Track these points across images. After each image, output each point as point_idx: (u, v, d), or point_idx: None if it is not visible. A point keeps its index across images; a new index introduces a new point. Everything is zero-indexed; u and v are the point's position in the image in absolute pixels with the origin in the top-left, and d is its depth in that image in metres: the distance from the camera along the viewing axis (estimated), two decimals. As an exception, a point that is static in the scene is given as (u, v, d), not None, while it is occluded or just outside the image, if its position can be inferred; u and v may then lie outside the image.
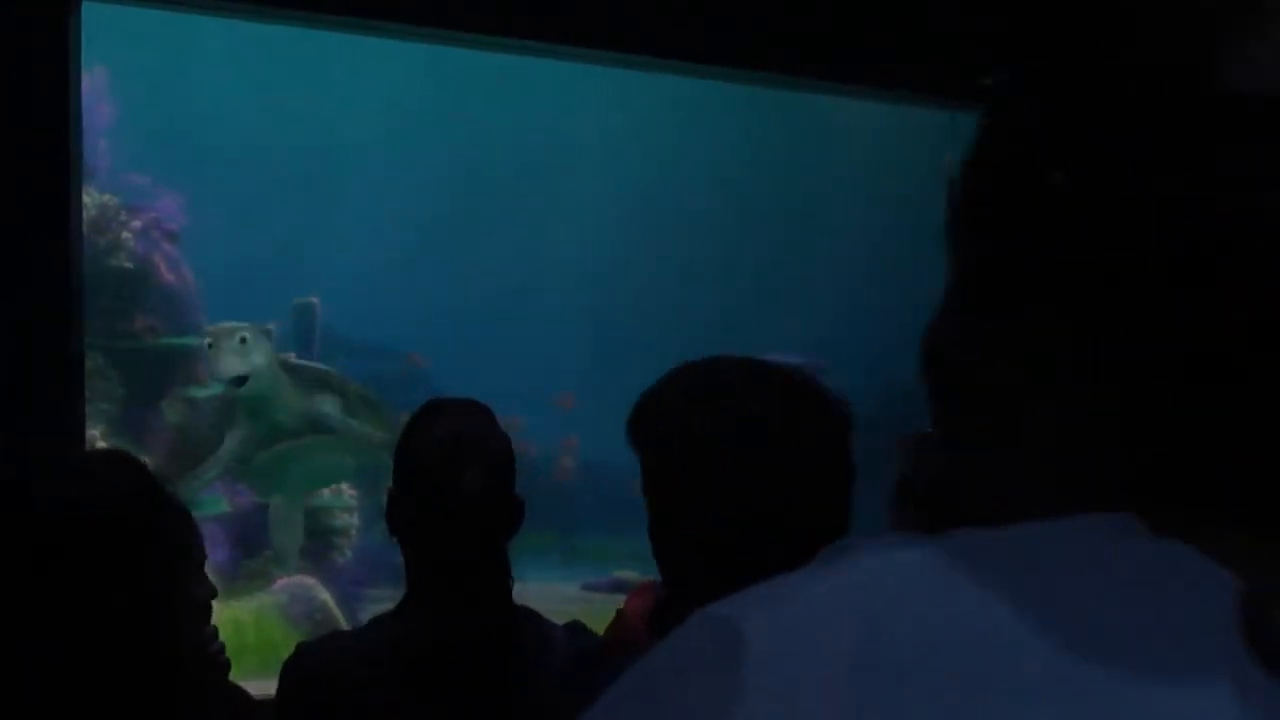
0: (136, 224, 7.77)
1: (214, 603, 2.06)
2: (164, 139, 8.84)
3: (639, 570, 8.94)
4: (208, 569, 2.14)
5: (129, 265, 7.69)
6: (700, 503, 1.51)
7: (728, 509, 1.49)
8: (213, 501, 7.58)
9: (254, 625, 6.78)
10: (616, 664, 1.93)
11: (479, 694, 2.05)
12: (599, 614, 2.57)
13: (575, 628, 2.24)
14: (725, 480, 1.49)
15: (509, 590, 2.19)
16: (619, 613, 2.36)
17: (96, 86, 7.56)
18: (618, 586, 8.46)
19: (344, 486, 7.89)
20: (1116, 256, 0.52)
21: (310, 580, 7.40)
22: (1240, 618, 0.46)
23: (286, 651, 2.28)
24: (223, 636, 2.10)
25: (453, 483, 2.07)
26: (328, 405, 7.38)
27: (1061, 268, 0.54)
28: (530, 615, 2.23)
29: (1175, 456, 0.52)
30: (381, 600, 5.97)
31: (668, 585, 1.62)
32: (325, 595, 7.24)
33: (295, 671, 2.08)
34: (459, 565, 2.11)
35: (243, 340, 6.80)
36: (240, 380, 6.89)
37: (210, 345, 6.79)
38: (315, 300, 9.14)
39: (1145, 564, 0.49)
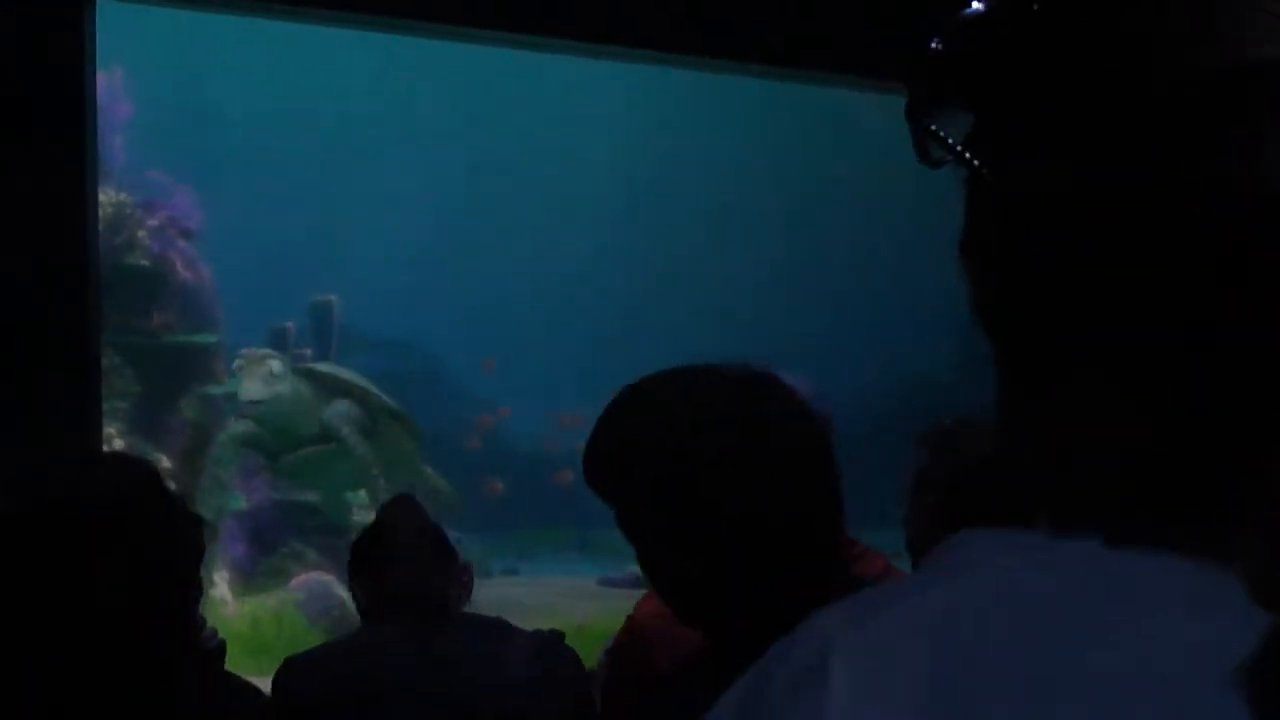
0: (153, 222, 7.79)
1: (233, 599, 2.11)
2: (181, 137, 8.87)
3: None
4: (228, 566, 2.18)
5: (145, 263, 7.72)
6: (674, 535, 1.45)
7: (701, 530, 1.42)
8: (230, 499, 7.62)
9: (272, 622, 6.80)
10: (619, 672, 1.93)
11: (444, 691, 2.21)
12: (616, 608, 2.58)
13: (542, 634, 2.42)
14: (690, 503, 1.42)
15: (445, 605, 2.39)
16: (629, 619, 2.36)
17: (113, 86, 7.58)
18: (636, 581, 8.42)
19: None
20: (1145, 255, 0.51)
21: (328, 577, 7.41)
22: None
23: (305, 647, 2.44)
24: (242, 633, 2.16)
25: (380, 577, 2.37)
26: (343, 420, 7.65)
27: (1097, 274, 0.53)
28: (490, 620, 2.41)
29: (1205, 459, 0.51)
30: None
31: (675, 613, 1.55)
32: (343, 592, 7.24)
33: (281, 684, 2.23)
34: (414, 612, 2.33)
35: (271, 372, 7.24)
36: (257, 404, 7.35)
37: (239, 367, 7.23)
38: (333, 298, 9.15)
39: (1236, 604, 0.47)
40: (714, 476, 1.41)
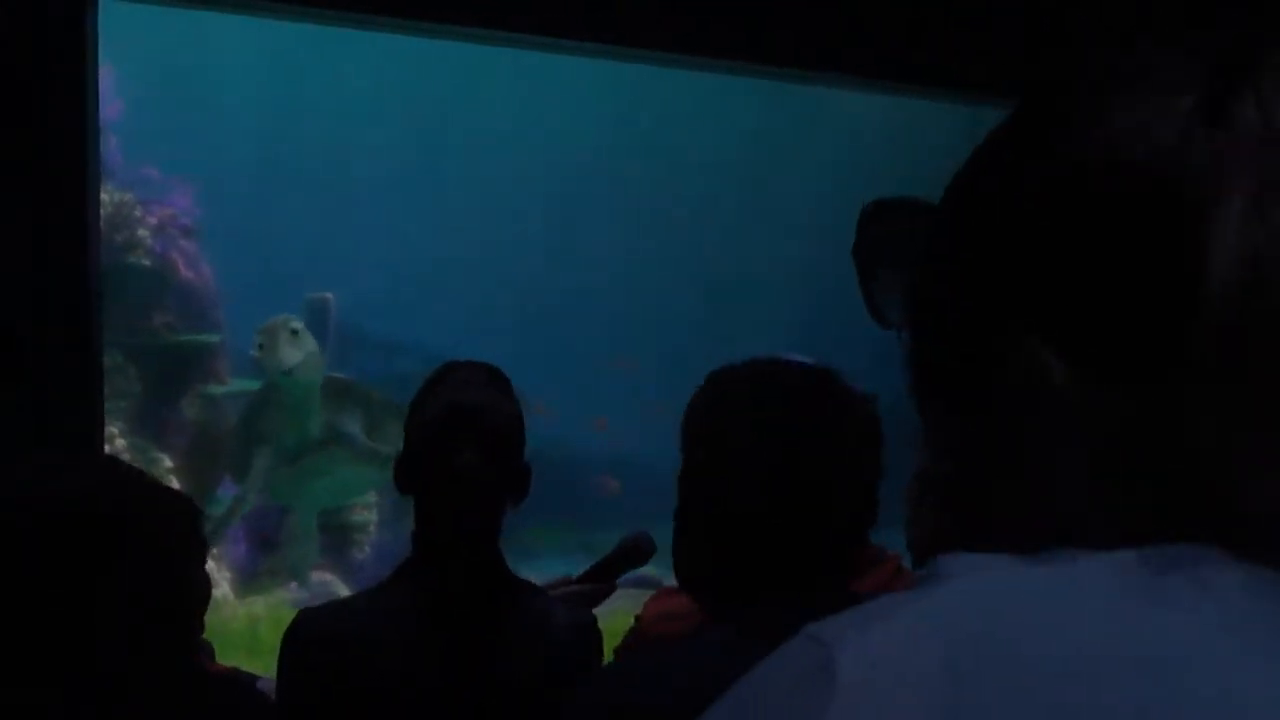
0: (153, 220, 7.80)
1: (233, 600, 2.07)
2: (177, 135, 8.84)
3: (659, 567, 8.86)
4: (229, 567, 2.15)
5: (147, 263, 7.72)
6: (716, 500, 1.58)
7: (743, 507, 1.55)
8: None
9: (270, 622, 6.80)
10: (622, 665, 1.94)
11: (475, 659, 2.06)
12: (618, 608, 2.56)
13: (573, 601, 2.25)
14: (743, 479, 1.55)
15: (501, 558, 2.16)
16: (637, 618, 2.36)
17: (106, 83, 7.58)
18: (638, 582, 8.40)
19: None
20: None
21: (328, 577, 7.42)
22: None
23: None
24: (241, 633, 2.11)
25: (449, 451, 2.06)
26: (350, 419, 7.52)
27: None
28: (528, 586, 2.21)
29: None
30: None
31: (677, 574, 1.68)
32: (344, 592, 7.25)
33: (297, 637, 2.06)
34: (457, 531, 2.09)
35: (294, 331, 7.07)
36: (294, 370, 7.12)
37: (261, 345, 7.02)
38: (329, 296, 9.12)
39: (1245, 593, 0.51)
40: (745, 465, 1.55)
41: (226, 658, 2.52)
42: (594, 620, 2.22)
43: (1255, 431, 0.53)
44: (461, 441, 2.05)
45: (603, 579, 2.47)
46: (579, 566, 2.62)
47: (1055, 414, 0.58)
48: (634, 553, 2.52)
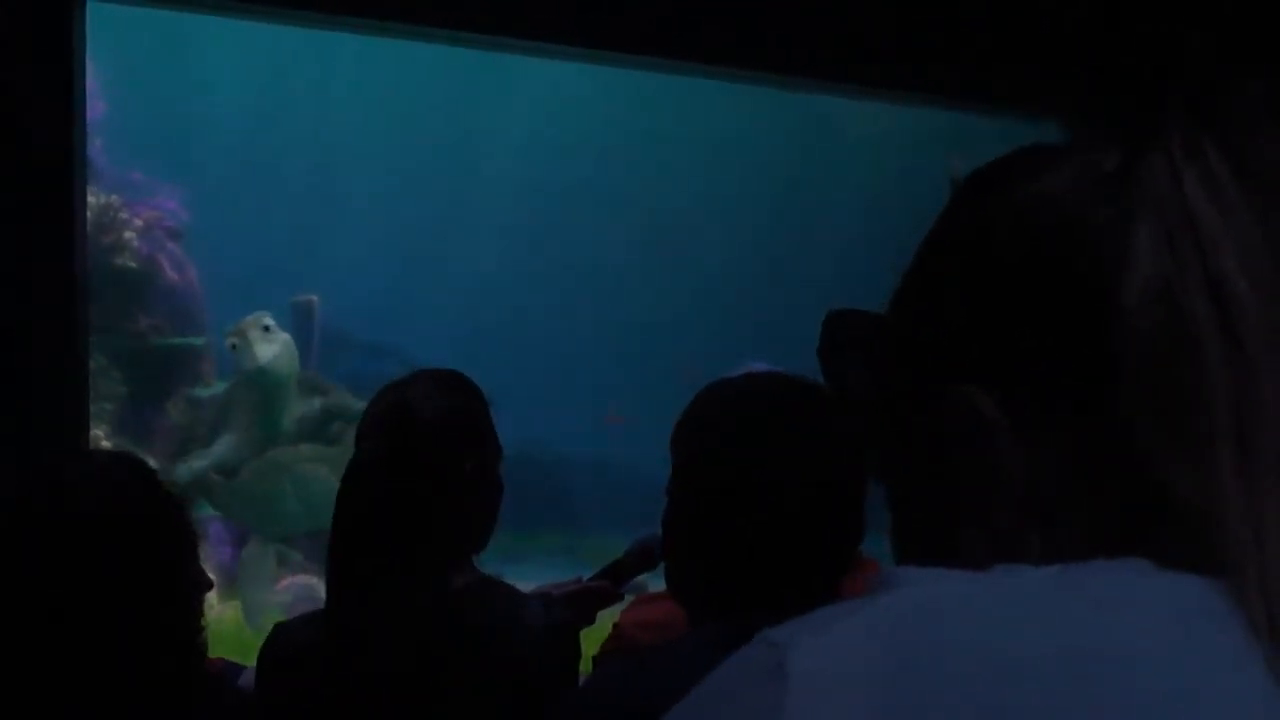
0: (138, 222, 7.77)
1: (219, 602, 2.07)
2: (159, 137, 8.81)
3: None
4: (213, 569, 2.15)
5: (133, 265, 7.70)
6: (704, 512, 1.59)
7: (730, 519, 1.56)
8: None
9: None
10: (606, 669, 1.95)
11: (446, 664, 2.06)
12: (602, 613, 2.57)
13: (549, 598, 2.25)
14: (731, 492, 1.57)
15: (445, 562, 2.16)
16: (615, 625, 2.37)
17: (90, 84, 7.55)
18: (630, 587, 8.31)
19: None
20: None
21: (314, 579, 7.38)
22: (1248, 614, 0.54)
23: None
24: (226, 635, 2.12)
25: (371, 455, 2.13)
26: (324, 421, 7.44)
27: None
28: (498, 585, 2.21)
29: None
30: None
31: (668, 585, 1.69)
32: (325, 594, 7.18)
33: (274, 649, 2.11)
34: (395, 540, 2.12)
35: (266, 328, 7.04)
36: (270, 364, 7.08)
37: (235, 345, 6.98)
38: (314, 298, 9.06)
39: (1171, 597, 0.56)
40: (761, 453, 1.57)
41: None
42: (570, 622, 2.23)
43: (1176, 434, 0.59)
44: (387, 445, 2.09)
45: (614, 580, 2.48)
46: (562, 570, 2.63)
47: (990, 448, 0.65)
48: (646, 555, 2.52)
